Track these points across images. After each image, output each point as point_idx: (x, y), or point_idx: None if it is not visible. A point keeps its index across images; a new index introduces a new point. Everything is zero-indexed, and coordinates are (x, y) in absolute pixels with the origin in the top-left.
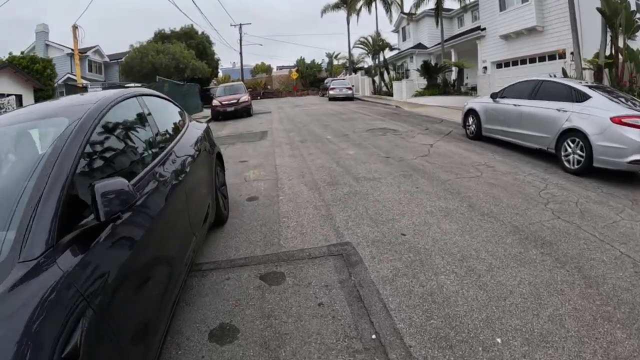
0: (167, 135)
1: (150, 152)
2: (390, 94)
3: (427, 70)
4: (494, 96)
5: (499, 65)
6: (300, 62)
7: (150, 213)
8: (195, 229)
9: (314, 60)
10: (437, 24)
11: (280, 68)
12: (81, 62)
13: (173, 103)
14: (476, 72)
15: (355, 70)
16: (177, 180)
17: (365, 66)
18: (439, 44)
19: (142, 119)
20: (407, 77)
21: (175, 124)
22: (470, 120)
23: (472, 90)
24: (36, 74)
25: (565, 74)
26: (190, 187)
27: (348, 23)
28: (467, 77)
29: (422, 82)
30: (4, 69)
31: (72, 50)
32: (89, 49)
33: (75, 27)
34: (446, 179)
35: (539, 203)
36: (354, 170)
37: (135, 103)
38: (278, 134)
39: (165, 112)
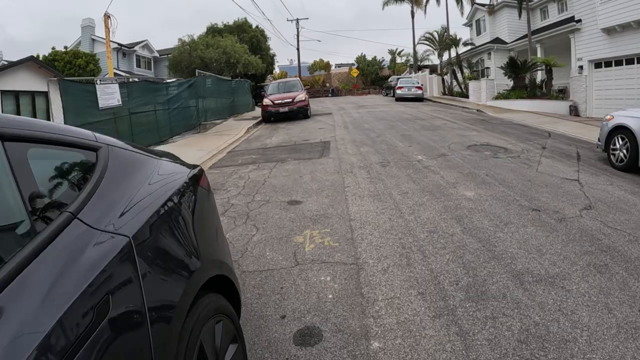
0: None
1: None
2: (464, 95)
3: (514, 68)
4: None
5: (597, 64)
6: (361, 59)
7: None
8: None
9: (375, 57)
10: (519, 14)
11: (339, 66)
12: (129, 57)
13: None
14: (567, 72)
15: (419, 68)
16: None
17: (430, 64)
18: (521, 38)
19: None
20: (486, 75)
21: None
22: (619, 142)
23: (560, 93)
24: (78, 69)
25: None
26: None
27: (412, 17)
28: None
29: (504, 83)
30: (25, 64)
31: (119, 44)
32: (137, 43)
33: (107, 16)
34: None
35: None
36: (501, 248)
37: None
38: (345, 147)
39: None
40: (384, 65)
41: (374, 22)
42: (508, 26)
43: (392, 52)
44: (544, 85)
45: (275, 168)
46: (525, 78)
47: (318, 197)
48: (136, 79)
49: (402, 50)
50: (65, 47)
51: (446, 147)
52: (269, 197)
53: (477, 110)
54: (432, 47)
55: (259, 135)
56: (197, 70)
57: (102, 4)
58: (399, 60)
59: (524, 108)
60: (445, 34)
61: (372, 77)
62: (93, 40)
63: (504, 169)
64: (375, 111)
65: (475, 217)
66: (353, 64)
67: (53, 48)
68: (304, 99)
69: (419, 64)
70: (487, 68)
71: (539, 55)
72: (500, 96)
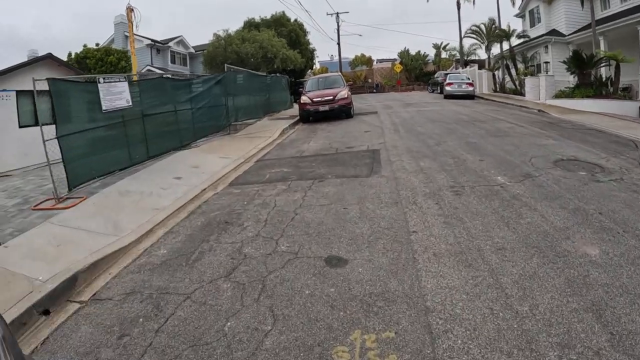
0: None
1: None
2: (518, 92)
3: (578, 63)
4: None
5: None
6: (404, 53)
7: None
8: None
9: (419, 51)
10: (582, 3)
11: (380, 61)
12: (163, 54)
13: None
14: (633, 69)
15: (466, 64)
16: None
17: (477, 59)
18: (581, 30)
19: None
20: (545, 71)
21: None
22: None
23: (624, 91)
24: (110, 66)
25: None
26: None
27: (459, 8)
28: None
29: (564, 79)
30: (43, 62)
31: (152, 41)
32: (171, 39)
33: (129, 9)
34: None
35: None
36: None
37: None
38: (400, 158)
39: None
40: (429, 60)
41: (418, 15)
42: (566, 17)
43: (436, 47)
44: (609, 83)
45: (310, 190)
46: (591, 74)
47: (371, 251)
48: (152, 76)
49: (448, 44)
50: (97, 44)
51: (528, 163)
52: (298, 245)
53: (539, 111)
54: (479, 41)
55: (294, 139)
56: (226, 65)
57: (139, 2)
58: (444, 55)
59: (589, 108)
60: (494, 26)
61: (416, 72)
62: (126, 36)
63: (617, 203)
64: (425, 110)
65: (619, 307)
66: (395, 59)
67: (84, 45)
68: (346, 96)
69: (465, 58)
70: (546, 63)
71: (602, 49)
72: (561, 94)
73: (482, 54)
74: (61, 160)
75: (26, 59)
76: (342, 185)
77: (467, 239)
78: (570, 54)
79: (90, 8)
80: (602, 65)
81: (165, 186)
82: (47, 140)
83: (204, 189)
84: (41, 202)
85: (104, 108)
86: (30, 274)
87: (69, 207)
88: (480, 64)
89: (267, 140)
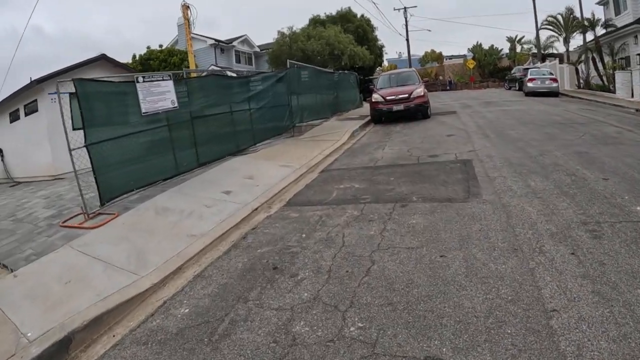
0: None
1: None
2: (606, 88)
3: None
4: None
5: None
6: (477, 48)
7: None
8: None
9: (492, 45)
10: None
11: (449, 58)
12: (227, 53)
13: None
14: None
15: (544, 58)
16: None
17: (555, 52)
18: None
19: None
20: (639, 64)
21: None
22: None
23: None
24: (173, 67)
25: None
26: None
27: None
28: None
29: None
30: (98, 63)
31: (216, 40)
32: (236, 39)
33: (185, 6)
34: None
35: None
36: None
37: None
38: (500, 174)
39: None
40: (502, 55)
41: (489, 7)
42: None
43: (511, 40)
44: None
45: (391, 220)
46: None
47: (494, 352)
48: (205, 73)
49: (523, 37)
50: (160, 46)
51: None
52: (377, 329)
53: (637, 110)
54: (557, 33)
55: (366, 144)
56: (289, 61)
57: (206, 4)
58: (519, 49)
59: None
60: (572, 15)
61: (489, 68)
62: (191, 37)
63: None
64: (510, 110)
65: None
66: (465, 55)
67: (148, 47)
68: (422, 94)
69: (543, 52)
70: None
71: None
72: None
73: (560, 47)
74: (91, 170)
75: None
76: (433, 215)
77: (635, 329)
78: None
79: (158, 13)
80: None
81: (210, 203)
82: (74, 149)
83: (255, 209)
84: (71, 218)
85: (143, 111)
86: (22, 324)
87: (96, 227)
88: (560, 58)
89: (335, 144)
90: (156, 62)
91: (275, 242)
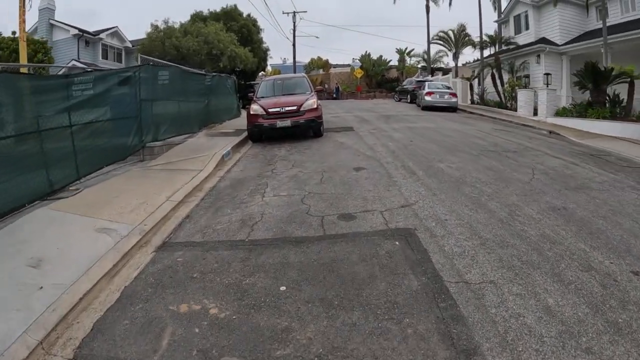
0: None
1: None
2: (504, 105)
3: (594, 76)
4: None
5: None
6: (366, 58)
7: None
8: None
9: (380, 56)
10: (587, 10)
11: (335, 66)
12: (94, 47)
13: None
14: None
15: (432, 72)
16: None
17: (443, 66)
18: (576, 40)
19: None
20: (546, 83)
21: None
22: None
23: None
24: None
25: None
26: None
27: (427, 12)
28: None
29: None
30: None
31: (80, 30)
32: (104, 30)
33: None
34: None
35: None
36: None
37: None
38: (482, 271)
39: None
40: (391, 66)
41: (380, 19)
42: (560, 25)
43: (400, 52)
44: (620, 103)
45: None
46: (606, 91)
47: None
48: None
49: (412, 50)
50: (13, 33)
51: None
52: None
53: (550, 132)
54: (447, 48)
55: (238, 180)
56: (140, 56)
57: None
58: (408, 61)
59: (606, 132)
60: (464, 32)
61: (377, 78)
62: (52, 25)
63: None
64: (417, 127)
65: None
66: (349, 65)
67: None
68: (315, 106)
69: (432, 66)
70: (547, 74)
71: (606, 62)
72: (565, 112)
73: (448, 62)
74: None
75: None
76: None
77: None
78: (567, 65)
79: None
80: (619, 81)
81: None
82: None
83: None
84: None
85: None
86: None
87: None
88: (446, 72)
89: (195, 179)
90: (7, 52)
91: None
